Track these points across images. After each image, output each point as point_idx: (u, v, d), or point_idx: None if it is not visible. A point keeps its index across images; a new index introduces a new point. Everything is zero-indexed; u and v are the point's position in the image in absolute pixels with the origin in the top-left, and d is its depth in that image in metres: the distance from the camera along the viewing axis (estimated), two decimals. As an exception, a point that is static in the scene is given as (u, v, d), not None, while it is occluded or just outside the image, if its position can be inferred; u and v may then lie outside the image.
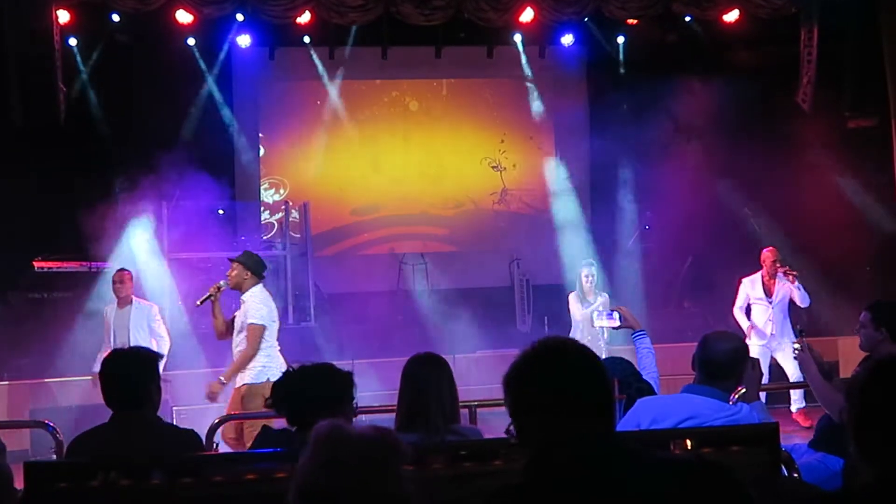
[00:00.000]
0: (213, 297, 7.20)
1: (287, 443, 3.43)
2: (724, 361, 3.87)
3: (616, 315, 5.22)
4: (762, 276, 9.73)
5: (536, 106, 14.70)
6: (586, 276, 9.65)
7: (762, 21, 12.02)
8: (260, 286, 7.21)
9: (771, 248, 9.91)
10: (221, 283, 7.25)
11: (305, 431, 3.49)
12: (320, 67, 13.91)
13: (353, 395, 3.63)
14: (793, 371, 9.24)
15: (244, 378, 7.01)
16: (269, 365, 7.01)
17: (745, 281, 9.81)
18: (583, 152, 14.39)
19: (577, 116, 14.48)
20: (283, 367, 6.83)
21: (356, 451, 2.02)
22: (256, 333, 7.01)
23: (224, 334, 7.35)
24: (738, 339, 4.05)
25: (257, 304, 7.09)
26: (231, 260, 7.31)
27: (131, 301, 8.82)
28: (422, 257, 13.53)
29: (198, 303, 7.56)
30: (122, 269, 9.06)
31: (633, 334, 5.06)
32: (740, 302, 9.81)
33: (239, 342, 7.13)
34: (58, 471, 3.18)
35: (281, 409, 3.61)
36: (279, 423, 3.71)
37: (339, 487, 1.97)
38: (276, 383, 3.67)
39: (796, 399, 9.70)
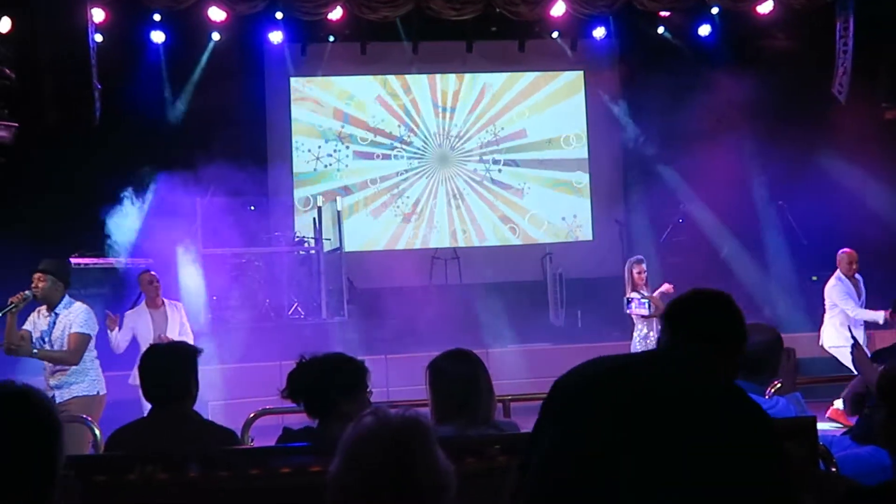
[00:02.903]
0: (14, 308, 6.46)
1: (311, 439, 3.44)
2: (760, 354, 3.79)
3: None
4: (846, 277, 9.31)
5: (569, 99, 14.66)
6: (639, 273, 9.32)
7: (797, 12, 11.90)
8: (68, 297, 6.68)
9: (849, 249, 9.47)
10: (28, 293, 6.54)
11: (327, 423, 3.53)
12: (352, 63, 13.97)
13: (367, 383, 3.65)
14: None
15: (76, 391, 6.56)
16: (99, 377, 6.67)
17: (842, 282, 9.32)
18: (615, 145, 14.34)
19: (609, 109, 14.44)
20: (103, 380, 6.68)
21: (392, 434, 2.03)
22: (83, 342, 6.55)
23: (16, 350, 6.56)
24: (773, 330, 3.97)
25: (83, 314, 6.61)
26: (39, 271, 6.66)
27: (164, 302, 8.58)
28: (454, 252, 13.53)
29: None
30: (148, 269, 8.76)
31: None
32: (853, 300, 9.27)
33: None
34: (96, 464, 3.21)
35: (298, 399, 3.63)
36: (296, 423, 3.72)
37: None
38: (291, 374, 3.67)
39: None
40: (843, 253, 9.45)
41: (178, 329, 8.39)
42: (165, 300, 8.61)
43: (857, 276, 9.37)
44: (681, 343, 2.59)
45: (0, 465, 1.96)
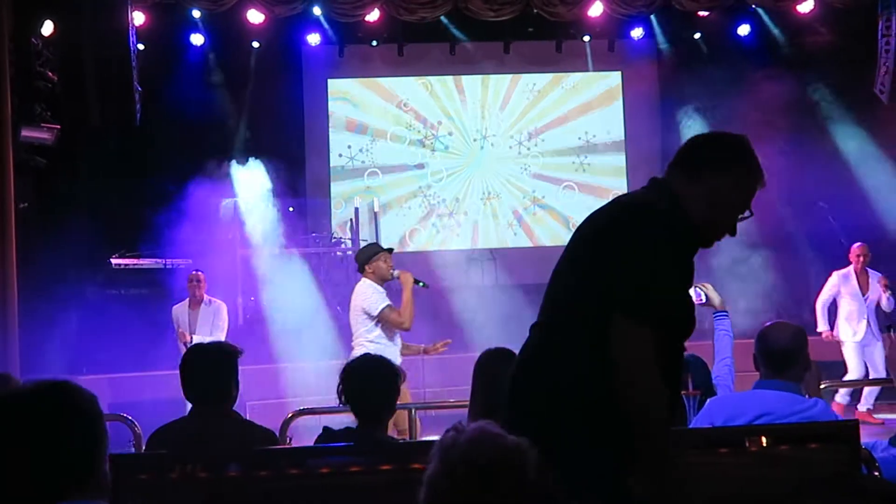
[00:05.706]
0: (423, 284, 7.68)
1: (351, 439, 3.48)
2: (787, 348, 3.78)
3: (702, 293, 5.08)
4: (855, 272, 9.40)
5: (607, 100, 14.60)
6: None
7: (838, 10, 11.77)
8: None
9: (861, 244, 9.56)
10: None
11: (366, 424, 3.58)
12: (389, 64, 14.01)
13: (398, 387, 3.79)
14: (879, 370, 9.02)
15: None
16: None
17: (837, 274, 9.45)
18: (654, 146, 14.24)
19: (647, 110, 14.36)
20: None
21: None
22: None
23: None
24: (796, 325, 3.95)
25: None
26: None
27: (202, 300, 8.92)
28: (490, 253, 13.51)
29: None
30: (198, 270, 9.17)
31: (714, 314, 4.97)
32: (825, 295, 9.44)
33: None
34: (138, 463, 3.25)
35: (349, 403, 3.69)
36: (334, 423, 3.76)
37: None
38: (339, 384, 3.74)
39: (865, 397, 9.19)
40: (857, 247, 9.58)
41: (210, 329, 8.55)
42: (208, 298, 8.82)
43: (867, 269, 9.44)
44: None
45: (43, 454, 2.01)
